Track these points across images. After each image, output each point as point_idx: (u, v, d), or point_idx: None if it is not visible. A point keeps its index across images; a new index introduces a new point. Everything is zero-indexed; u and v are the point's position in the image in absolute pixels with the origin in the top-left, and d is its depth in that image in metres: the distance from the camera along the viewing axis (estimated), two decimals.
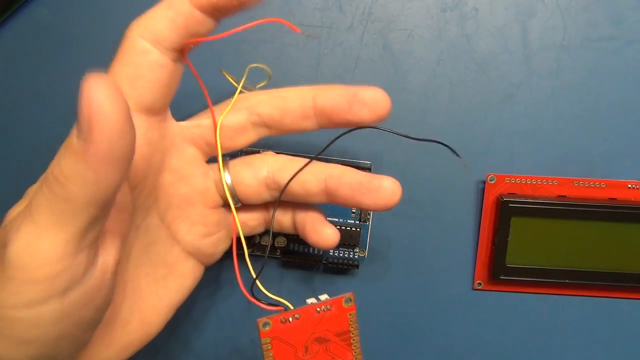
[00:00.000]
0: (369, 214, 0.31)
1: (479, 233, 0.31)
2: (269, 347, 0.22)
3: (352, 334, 0.24)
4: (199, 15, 0.21)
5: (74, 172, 0.16)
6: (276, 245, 0.31)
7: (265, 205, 0.27)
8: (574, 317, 0.32)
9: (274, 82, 0.31)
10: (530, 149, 0.31)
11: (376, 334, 0.32)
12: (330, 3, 0.31)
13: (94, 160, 0.16)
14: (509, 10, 0.30)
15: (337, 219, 0.31)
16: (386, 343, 0.33)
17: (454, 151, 0.23)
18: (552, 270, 0.31)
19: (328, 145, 0.23)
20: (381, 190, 0.23)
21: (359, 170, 0.24)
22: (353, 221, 0.31)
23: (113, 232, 0.20)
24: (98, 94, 0.16)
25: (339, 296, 0.23)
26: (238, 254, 0.24)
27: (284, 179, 0.24)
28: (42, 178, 0.19)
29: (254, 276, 0.23)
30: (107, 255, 0.20)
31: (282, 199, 0.25)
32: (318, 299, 0.23)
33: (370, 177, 0.23)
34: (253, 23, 0.21)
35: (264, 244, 0.31)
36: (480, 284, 0.32)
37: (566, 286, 0.31)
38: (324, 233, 0.25)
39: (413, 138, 0.23)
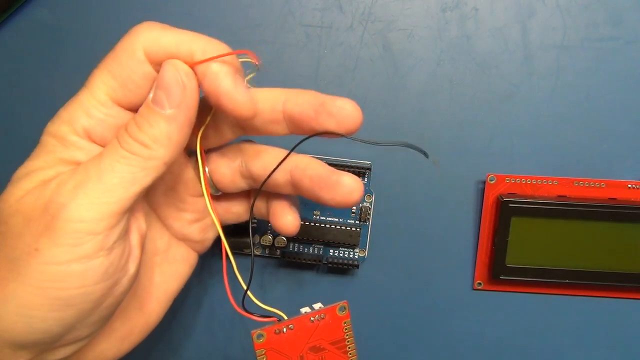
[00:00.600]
0: (369, 214, 0.31)
1: (479, 233, 0.31)
2: (264, 359, 0.22)
3: (348, 341, 0.23)
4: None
5: (163, 134, 0.20)
6: (276, 245, 0.31)
7: (247, 193, 0.27)
8: (574, 317, 0.32)
9: (275, 82, 0.31)
10: (530, 149, 0.31)
11: (376, 333, 0.32)
12: (330, 3, 0.31)
13: (182, 122, 0.21)
14: (509, 10, 0.30)
15: (337, 219, 0.31)
16: (386, 343, 0.32)
17: (423, 152, 0.22)
18: (552, 270, 0.31)
19: (303, 141, 0.23)
20: (339, 186, 0.22)
21: (324, 164, 0.23)
22: (353, 221, 0.31)
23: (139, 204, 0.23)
24: (184, 76, 0.21)
25: (333, 305, 0.23)
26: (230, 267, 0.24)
27: (255, 168, 0.24)
28: (110, 148, 0.21)
29: (245, 288, 0.23)
30: (140, 222, 0.22)
31: (257, 188, 0.25)
32: (312, 308, 0.23)
33: (330, 172, 0.23)
34: (222, 55, 0.21)
35: (264, 243, 0.31)
36: (480, 284, 0.32)
37: (566, 286, 0.31)
38: (284, 219, 0.25)
39: (380, 144, 0.22)
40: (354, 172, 0.31)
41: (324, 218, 0.31)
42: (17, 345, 0.20)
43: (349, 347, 0.24)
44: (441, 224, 0.32)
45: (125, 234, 0.21)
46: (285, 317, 0.23)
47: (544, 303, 0.32)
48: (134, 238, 0.22)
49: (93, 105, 0.21)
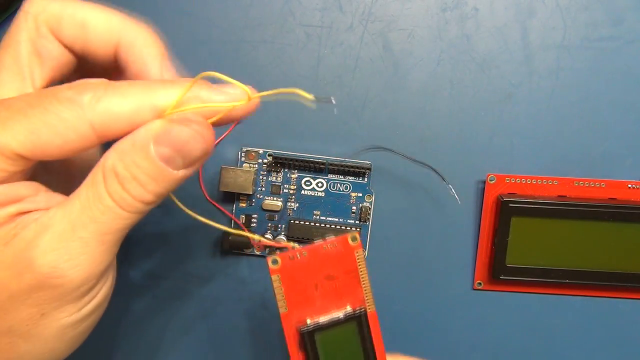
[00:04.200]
0: (369, 214, 0.31)
1: (479, 233, 0.31)
2: (279, 285, 0.22)
3: (361, 272, 0.23)
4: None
5: (167, 190, 0.19)
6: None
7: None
8: (574, 317, 0.32)
9: (275, 82, 0.31)
10: (530, 149, 0.31)
11: None
12: (330, 3, 0.31)
13: (180, 182, 0.19)
14: (509, 10, 0.30)
15: (337, 219, 0.31)
16: (386, 343, 0.32)
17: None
18: (552, 270, 0.31)
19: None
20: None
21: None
22: (353, 221, 0.31)
23: None
24: (209, 137, 0.19)
25: (345, 234, 0.23)
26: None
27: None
28: (94, 198, 0.19)
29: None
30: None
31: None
32: (324, 239, 0.23)
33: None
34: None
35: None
36: (480, 284, 0.32)
37: (566, 286, 0.31)
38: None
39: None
40: (353, 172, 0.31)
41: (324, 218, 0.31)
42: None
43: (362, 277, 0.24)
44: (441, 224, 0.32)
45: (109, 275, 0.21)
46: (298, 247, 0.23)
47: (544, 303, 0.32)
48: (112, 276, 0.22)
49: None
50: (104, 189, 0.18)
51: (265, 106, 0.31)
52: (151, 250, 0.32)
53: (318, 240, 0.23)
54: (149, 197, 0.19)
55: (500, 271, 0.31)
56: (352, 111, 0.31)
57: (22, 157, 0.18)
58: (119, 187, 0.18)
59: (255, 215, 0.31)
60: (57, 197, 0.20)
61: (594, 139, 0.31)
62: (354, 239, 0.23)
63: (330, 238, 0.23)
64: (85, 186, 0.19)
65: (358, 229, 0.26)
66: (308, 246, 0.23)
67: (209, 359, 0.33)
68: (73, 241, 0.18)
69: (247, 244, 0.31)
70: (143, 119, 0.19)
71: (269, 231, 0.31)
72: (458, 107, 0.31)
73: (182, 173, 0.19)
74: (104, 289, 0.20)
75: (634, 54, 0.31)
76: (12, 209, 0.18)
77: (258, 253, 0.32)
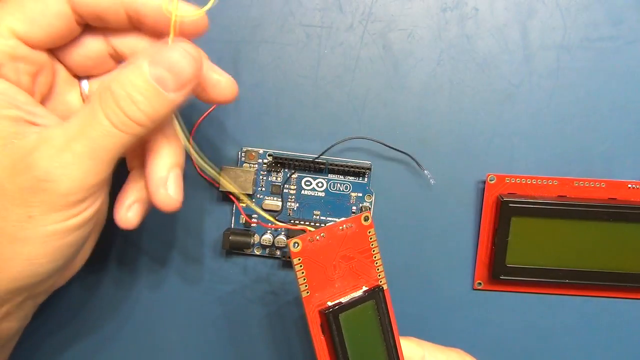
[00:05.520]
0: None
1: (479, 233, 0.31)
2: (301, 267, 0.22)
3: (374, 251, 0.24)
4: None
5: (160, 115, 0.21)
6: (276, 245, 0.31)
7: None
8: (574, 317, 0.32)
9: (275, 82, 0.31)
10: (530, 149, 0.31)
11: None
12: (330, 3, 0.31)
13: (180, 104, 0.21)
14: (509, 10, 0.30)
15: (337, 219, 0.31)
16: None
17: None
18: (552, 270, 0.31)
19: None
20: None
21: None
22: None
23: None
24: (198, 60, 0.21)
25: (358, 214, 0.24)
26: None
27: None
28: (92, 118, 0.20)
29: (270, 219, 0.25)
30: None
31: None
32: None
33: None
34: None
35: (264, 243, 0.31)
36: (480, 284, 0.32)
37: (566, 286, 0.31)
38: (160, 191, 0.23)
39: None
40: (353, 172, 0.31)
41: (324, 218, 0.31)
42: (16, 290, 0.21)
43: (375, 257, 0.24)
44: (441, 224, 0.32)
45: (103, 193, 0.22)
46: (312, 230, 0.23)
47: (544, 303, 0.32)
48: (106, 197, 0.23)
49: None
50: (99, 106, 0.20)
51: (265, 106, 0.31)
52: (151, 251, 0.32)
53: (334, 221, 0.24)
54: (140, 116, 0.20)
55: (500, 271, 0.31)
56: (352, 111, 0.31)
57: (19, 37, 0.21)
58: (112, 104, 0.20)
59: (255, 215, 0.31)
60: (55, 117, 0.22)
61: (594, 139, 0.31)
62: (366, 218, 0.24)
63: (345, 219, 0.24)
64: (84, 105, 0.21)
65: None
66: (326, 227, 0.23)
67: (210, 358, 0.33)
68: (67, 153, 0.20)
69: (247, 244, 0.31)
70: None
71: (268, 231, 0.31)
72: (458, 107, 0.31)
73: (173, 96, 0.21)
74: (92, 207, 0.21)
75: (634, 54, 0.31)
76: (12, 112, 0.20)
77: (258, 253, 0.32)
